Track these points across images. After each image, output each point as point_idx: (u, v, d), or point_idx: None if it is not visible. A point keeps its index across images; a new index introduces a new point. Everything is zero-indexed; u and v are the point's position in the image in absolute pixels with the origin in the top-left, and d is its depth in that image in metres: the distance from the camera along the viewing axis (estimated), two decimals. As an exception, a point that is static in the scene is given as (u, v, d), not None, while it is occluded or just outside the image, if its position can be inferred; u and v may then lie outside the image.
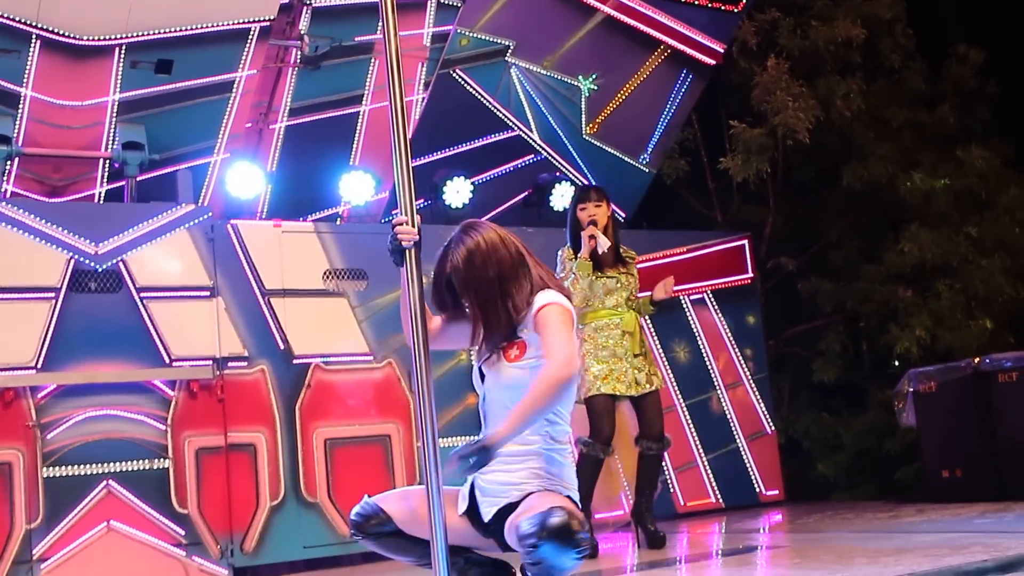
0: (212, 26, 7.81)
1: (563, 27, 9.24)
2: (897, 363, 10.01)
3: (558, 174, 9.73)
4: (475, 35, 8.94)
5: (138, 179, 7.82)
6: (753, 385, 9.57)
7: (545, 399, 3.56)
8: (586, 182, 9.49)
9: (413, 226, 3.75)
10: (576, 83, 9.50)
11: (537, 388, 3.55)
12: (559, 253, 6.82)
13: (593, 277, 6.64)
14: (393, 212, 3.84)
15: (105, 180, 8.04)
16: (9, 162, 7.60)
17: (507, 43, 9.09)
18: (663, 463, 6.79)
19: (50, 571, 6.69)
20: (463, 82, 9.13)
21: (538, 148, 9.68)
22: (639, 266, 7.09)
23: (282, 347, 7.64)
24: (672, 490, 8.94)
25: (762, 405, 9.56)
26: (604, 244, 6.64)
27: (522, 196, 9.77)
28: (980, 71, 10.53)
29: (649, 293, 6.89)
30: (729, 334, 9.57)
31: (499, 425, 3.57)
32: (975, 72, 10.52)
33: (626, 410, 6.84)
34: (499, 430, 3.54)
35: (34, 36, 7.42)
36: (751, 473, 9.38)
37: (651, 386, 6.66)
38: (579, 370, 3.70)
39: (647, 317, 7.15)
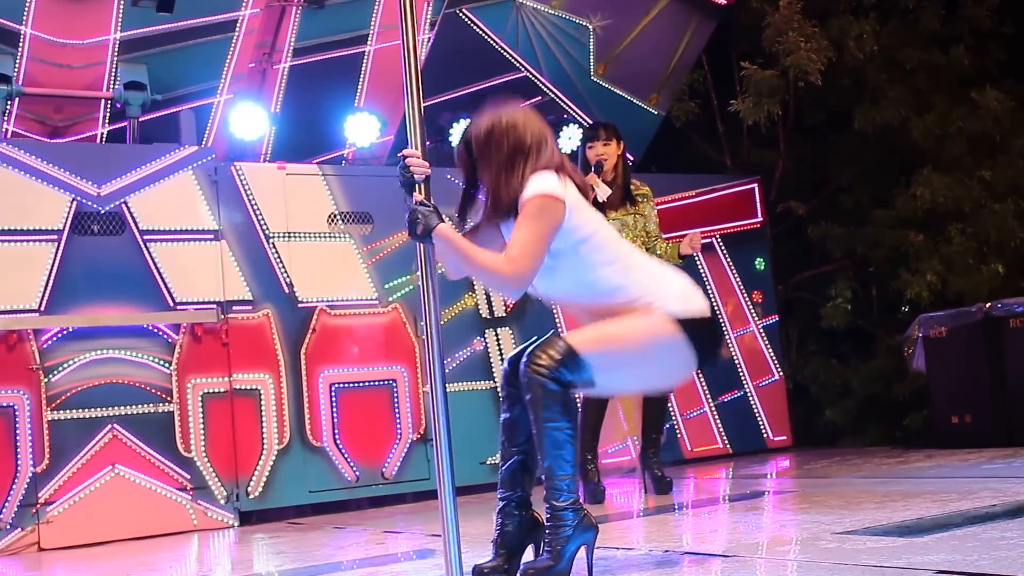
0: (215, -36, 7.70)
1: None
2: (907, 308, 9.93)
3: (566, 116, 9.61)
4: (481, -27, 8.82)
5: (140, 120, 7.75)
6: (761, 330, 9.52)
7: (476, 269, 3.72)
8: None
9: (424, 159, 3.76)
10: (585, 23, 9.35)
11: (482, 258, 3.68)
12: None
13: None
14: (399, 154, 3.76)
15: (107, 121, 7.97)
16: (9, 102, 7.52)
17: (514, -18, 8.97)
18: (668, 406, 6.72)
19: (56, 514, 6.70)
20: (470, 22, 9.00)
21: (546, 90, 9.56)
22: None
23: (287, 291, 7.59)
24: (679, 435, 8.91)
25: (770, 350, 9.52)
26: (604, 193, 6.50)
27: (529, 138, 9.64)
28: (996, 11, 10.34)
29: (669, 239, 6.78)
30: (738, 279, 9.51)
31: (459, 241, 3.70)
32: (991, 12, 10.33)
33: None
34: (449, 233, 3.67)
35: (34, -27, 7.31)
36: (759, 419, 9.35)
37: None
38: (521, 282, 3.67)
39: None
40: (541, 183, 3.71)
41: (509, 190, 3.76)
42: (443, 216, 3.70)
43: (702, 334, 3.80)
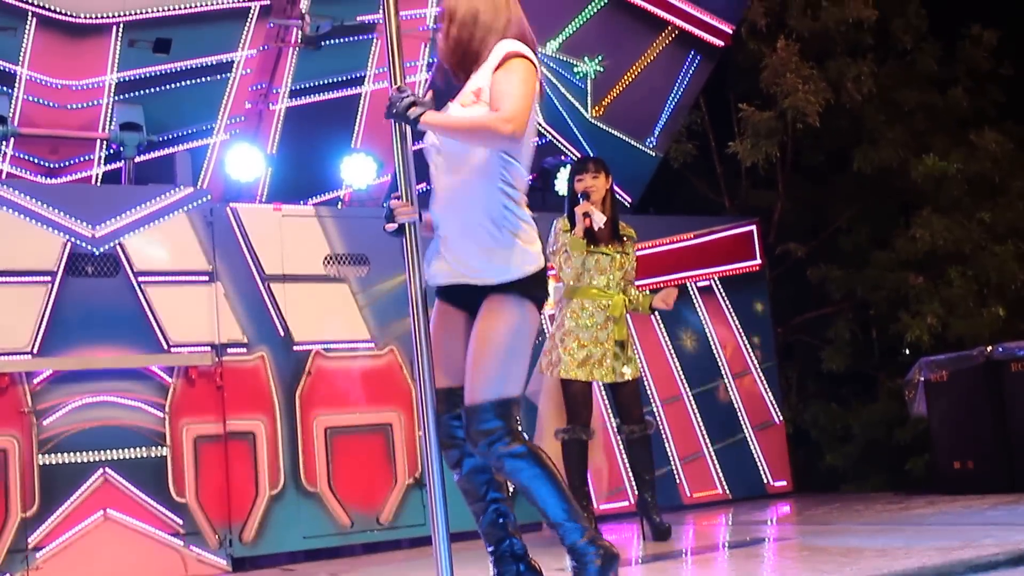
0: (211, 5, 7.71)
1: (569, 7, 9.09)
2: (908, 351, 9.89)
3: (563, 158, 9.58)
4: (479, 15, 8.78)
5: (136, 161, 7.71)
6: (761, 374, 9.45)
7: (472, 130, 3.66)
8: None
9: (411, 204, 3.82)
10: (582, 64, 9.34)
11: (475, 120, 3.65)
12: (554, 223, 6.65)
13: (586, 253, 6.48)
14: (394, 195, 3.78)
15: (102, 162, 7.94)
16: (4, 142, 7.48)
17: (511, 22, 8.94)
18: (650, 446, 6.65)
19: (45, 560, 6.60)
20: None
21: (542, 131, 9.54)
22: (643, 252, 6.96)
23: (282, 333, 7.52)
24: (678, 480, 8.83)
25: (770, 394, 9.45)
26: (599, 220, 6.46)
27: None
28: (994, 53, 10.38)
29: (649, 286, 6.74)
30: (737, 322, 9.45)
31: (444, 118, 3.70)
32: (989, 54, 10.37)
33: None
34: (430, 118, 3.67)
35: (30, 13, 7.31)
36: (759, 464, 9.26)
37: (628, 376, 6.53)
38: (521, 135, 3.68)
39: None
40: (520, 45, 3.75)
41: (477, 48, 3.79)
42: (424, 105, 3.69)
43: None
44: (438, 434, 3.79)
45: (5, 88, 7.48)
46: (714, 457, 9.06)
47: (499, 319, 3.76)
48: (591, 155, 7.72)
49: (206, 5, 7.67)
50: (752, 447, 9.26)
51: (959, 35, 10.56)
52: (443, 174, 3.85)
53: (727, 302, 9.45)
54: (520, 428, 3.78)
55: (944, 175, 9.63)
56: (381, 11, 3.91)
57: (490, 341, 3.75)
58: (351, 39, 8.34)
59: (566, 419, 6.44)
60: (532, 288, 3.81)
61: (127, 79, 7.74)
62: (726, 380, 9.28)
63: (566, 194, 6.75)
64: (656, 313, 6.70)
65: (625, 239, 6.71)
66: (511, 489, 4.18)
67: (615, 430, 6.82)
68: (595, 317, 6.47)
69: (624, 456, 8.01)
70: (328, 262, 7.79)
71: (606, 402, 7.82)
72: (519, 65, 3.70)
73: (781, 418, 9.48)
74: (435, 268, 3.91)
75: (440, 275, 3.90)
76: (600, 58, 9.38)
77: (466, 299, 3.87)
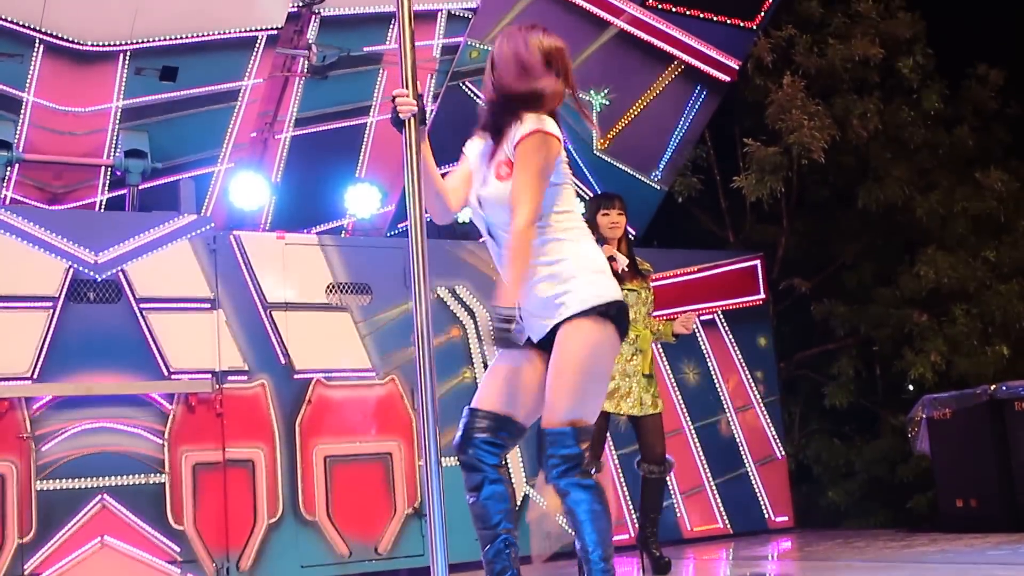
0: (218, 34, 7.71)
1: (576, 40, 9.08)
2: (911, 388, 9.84)
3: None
4: (486, 47, 8.81)
5: (140, 188, 7.72)
6: (763, 408, 9.41)
7: (520, 255, 3.71)
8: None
9: (413, 98, 3.83)
10: (588, 98, 9.36)
11: (513, 249, 3.73)
12: None
13: None
14: (400, 225, 3.79)
15: (106, 188, 7.95)
16: (9, 168, 7.50)
17: (518, 56, 8.96)
18: (667, 486, 6.62)
19: (41, 587, 6.57)
20: (472, 95, 9.00)
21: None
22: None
23: (283, 362, 7.51)
24: (679, 514, 8.78)
25: (772, 429, 9.41)
26: (623, 262, 6.47)
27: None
28: (1000, 92, 10.39)
29: (668, 315, 6.72)
30: (740, 356, 9.42)
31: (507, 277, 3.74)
32: (995, 93, 10.37)
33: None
34: (508, 294, 3.67)
35: (37, 40, 7.32)
36: (760, 498, 9.21)
37: (655, 408, 6.50)
38: (536, 215, 3.79)
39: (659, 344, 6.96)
40: (537, 120, 3.82)
41: (511, 117, 3.86)
42: (511, 313, 3.67)
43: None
44: (465, 456, 3.80)
45: (11, 114, 7.50)
46: (715, 491, 9.02)
47: (578, 340, 3.76)
48: (613, 191, 7.72)
49: (213, 34, 7.70)
50: (754, 482, 9.22)
51: (965, 74, 10.56)
52: (496, 213, 3.90)
53: (730, 336, 9.43)
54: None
55: (949, 213, 9.63)
56: (393, 39, 3.92)
57: (570, 361, 3.75)
58: (357, 70, 8.37)
59: None
60: (611, 311, 3.83)
61: (133, 106, 7.76)
62: (728, 414, 9.25)
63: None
64: (675, 338, 6.67)
65: (645, 273, 6.73)
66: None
67: (616, 463, 6.77)
68: (626, 350, 6.45)
69: (624, 488, 7.98)
70: (330, 291, 7.79)
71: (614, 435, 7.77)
72: (529, 149, 3.78)
73: (783, 453, 9.44)
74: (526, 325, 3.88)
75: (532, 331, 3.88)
76: (607, 91, 9.40)
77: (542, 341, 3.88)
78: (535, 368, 3.87)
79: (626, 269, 6.50)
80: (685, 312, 6.75)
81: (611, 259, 6.41)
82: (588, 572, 3.72)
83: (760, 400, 9.41)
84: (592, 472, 6.27)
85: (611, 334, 3.81)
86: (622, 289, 6.37)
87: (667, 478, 6.65)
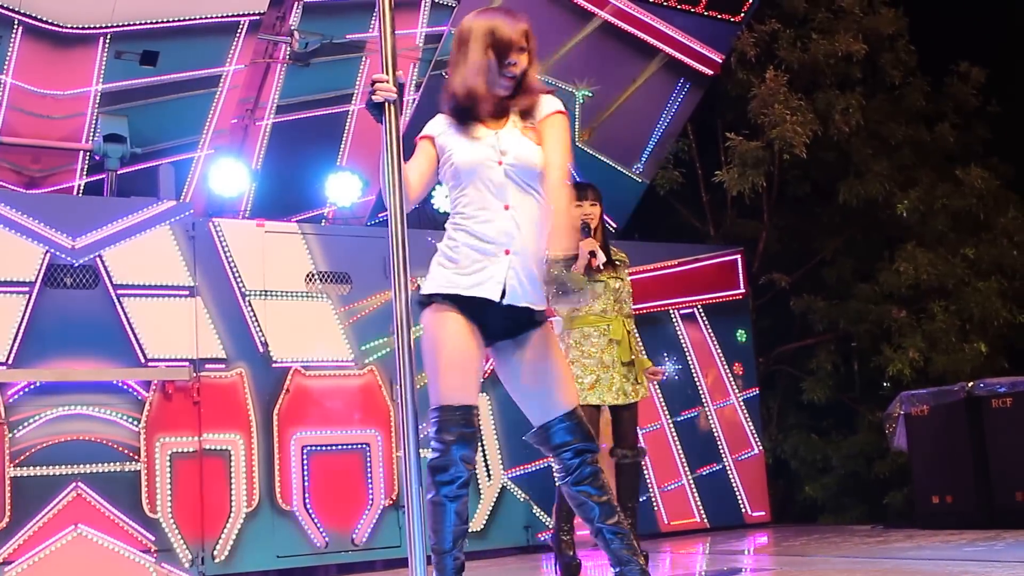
0: (200, 18, 7.67)
1: (559, 31, 9.08)
2: (887, 385, 9.87)
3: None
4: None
5: (119, 173, 7.66)
6: (741, 403, 9.42)
7: (566, 205, 3.86)
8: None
9: (392, 84, 3.84)
10: (571, 89, 9.33)
11: (559, 202, 3.82)
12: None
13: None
14: (379, 215, 3.76)
15: (85, 173, 7.89)
16: (-14, 150, 7.43)
17: (502, 46, 8.92)
18: (643, 475, 6.58)
19: (15, 575, 6.50)
20: (456, 84, 8.96)
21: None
22: (630, 278, 6.89)
23: (261, 350, 7.47)
24: (656, 508, 8.78)
25: (750, 424, 9.41)
26: (603, 259, 6.42)
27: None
28: (982, 89, 10.42)
29: (633, 312, 6.64)
30: (719, 350, 9.42)
31: (550, 242, 3.77)
32: (977, 91, 10.41)
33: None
34: (557, 248, 3.72)
35: (16, 22, 7.26)
36: (737, 493, 9.22)
37: (636, 396, 6.47)
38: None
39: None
40: (559, 103, 4.05)
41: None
42: (565, 270, 3.77)
43: None
44: (459, 454, 3.73)
45: (-11, 96, 7.44)
46: (693, 485, 9.02)
47: (555, 342, 4.01)
48: (585, 181, 7.67)
49: (195, 19, 7.64)
50: (731, 476, 9.23)
51: (947, 71, 10.61)
52: (517, 191, 3.91)
53: (710, 330, 9.43)
54: None
55: (929, 210, 9.66)
56: (373, 27, 3.88)
57: (561, 358, 4.01)
58: (340, 57, 8.32)
59: None
60: None
61: (112, 90, 7.70)
62: (707, 408, 9.25)
63: None
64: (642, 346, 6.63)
65: (618, 263, 6.66)
66: None
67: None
68: (597, 345, 6.41)
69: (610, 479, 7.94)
70: (310, 279, 7.74)
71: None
72: (564, 122, 4.00)
73: (761, 448, 9.45)
74: (508, 285, 3.84)
75: (511, 294, 3.85)
76: (590, 83, 9.37)
77: (493, 319, 3.86)
78: (480, 357, 3.89)
79: (601, 268, 6.44)
80: (657, 370, 6.72)
81: (592, 254, 6.37)
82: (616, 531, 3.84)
83: (738, 394, 9.42)
84: None
85: None
86: (591, 280, 6.38)
87: (640, 463, 6.58)
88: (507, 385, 3.99)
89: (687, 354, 9.26)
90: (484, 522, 8.02)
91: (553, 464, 3.93)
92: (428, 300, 3.86)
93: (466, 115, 3.97)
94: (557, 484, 3.99)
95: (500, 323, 3.87)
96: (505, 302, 3.81)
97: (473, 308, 3.82)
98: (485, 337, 3.87)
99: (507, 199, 3.87)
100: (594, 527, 3.85)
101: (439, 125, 4.07)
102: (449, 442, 3.72)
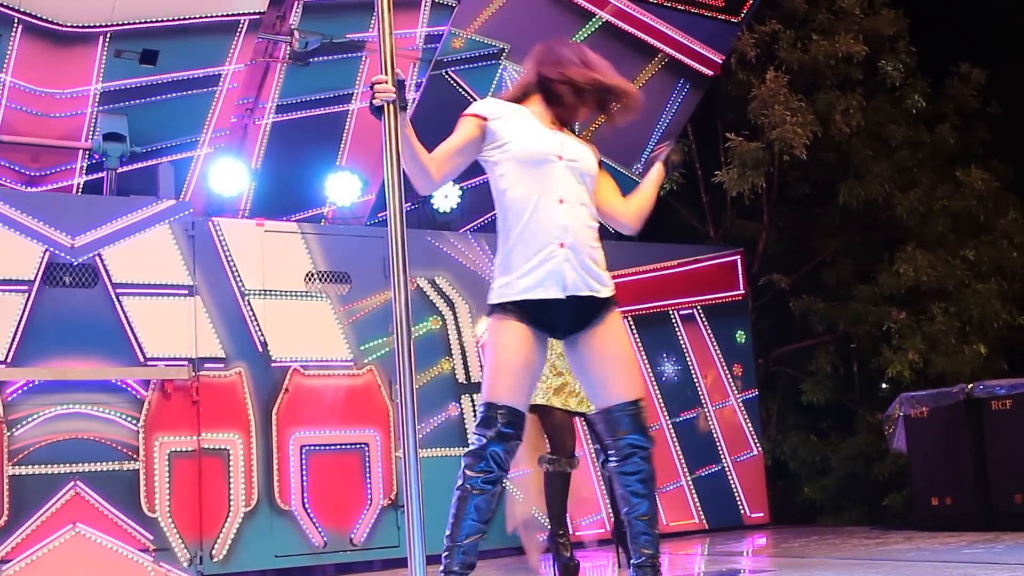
0: (200, 17, 7.65)
1: (559, 31, 9.05)
2: (886, 386, 9.86)
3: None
4: (469, 36, 8.77)
5: (118, 172, 7.65)
6: (741, 404, 9.42)
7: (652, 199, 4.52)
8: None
9: (392, 84, 3.84)
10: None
11: (651, 199, 4.57)
12: None
13: None
14: (380, 214, 3.76)
15: (84, 171, 7.88)
16: (-14, 149, 7.42)
17: (501, 46, 8.92)
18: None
19: (13, 573, 6.50)
20: (455, 84, 8.96)
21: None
22: (626, 279, 6.88)
23: (260, 350, 7.46)
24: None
25: (749, 425, 9.41)
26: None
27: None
28: (982, 91, 10.41)
29: (633, 313, 6.61)
30: (718, 351, 9.42)
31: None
32: (977, 92, 10.40)
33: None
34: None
35: (16, 20, 7.24)
36: (736, 494, 9.22)
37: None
38: None
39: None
40: None
41: None
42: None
43: None
44: (491, 449, 3.80)
45: (-12, 94, 7.43)
46: (691, 486, 9.02)
47: (623, 330, 4.09)
48: None
49: (195, 18, 7.62)
50: (730, 477, 9.22)
51: (948, 73, 10.59)
52: (572, 186, 4.05)
53: (709, 331, 9.42)
54: None
55: (929, 211, 9.65)
56: (373, 27, 3.88)
57: (627, 346, 4.10)
58: (340, 56, 8.31)
59: (549, 448, 6.31)
60: None
61: (112, 89, 7.69)
62: (706, 409, 9.25)
63: None
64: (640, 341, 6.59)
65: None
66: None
67: (593, 456, 6.70)
68: None
69: (600, 482, 7.95)
70: (309, 279, 7.74)
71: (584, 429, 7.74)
72: None
73: (760, 449, 9.44)
74: (568, 278, 3.92)
75: (572, 285, 3.93)
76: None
77: (559, 315, 3.95)
78: (539, 361, 3.99)
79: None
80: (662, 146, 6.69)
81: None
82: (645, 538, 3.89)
83: (738, 396, 9.41)
84: (569, 469, 6.25)
85: None
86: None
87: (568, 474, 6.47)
88: (575, 370, 4.13)
89: (686, 355, 9.26)
90: (483, 522, 7.99)
91: (605, 447, 4.04)
92: (491, 309, 3.98)
93: (558, 103, 4.16)
94: (603, 473, 4.08)
95: (567, 316, 3.96)
96: (567, 294, 3.90)
97: (536, 309, 3.91)
98: (554, 334, 4.01)
99: (562, 193, 3.99)
100: (628, 519, 3.94)
101: (497, 109, 4.11)
102: (487, 435, 3.82)
